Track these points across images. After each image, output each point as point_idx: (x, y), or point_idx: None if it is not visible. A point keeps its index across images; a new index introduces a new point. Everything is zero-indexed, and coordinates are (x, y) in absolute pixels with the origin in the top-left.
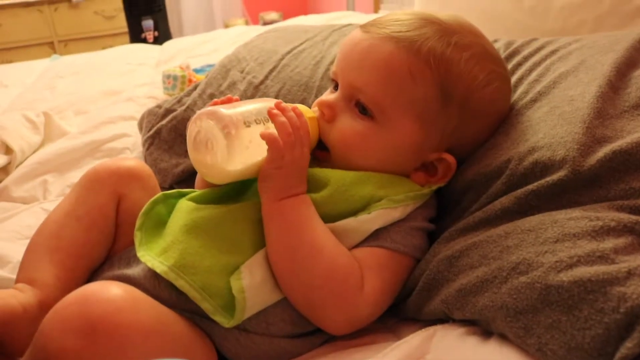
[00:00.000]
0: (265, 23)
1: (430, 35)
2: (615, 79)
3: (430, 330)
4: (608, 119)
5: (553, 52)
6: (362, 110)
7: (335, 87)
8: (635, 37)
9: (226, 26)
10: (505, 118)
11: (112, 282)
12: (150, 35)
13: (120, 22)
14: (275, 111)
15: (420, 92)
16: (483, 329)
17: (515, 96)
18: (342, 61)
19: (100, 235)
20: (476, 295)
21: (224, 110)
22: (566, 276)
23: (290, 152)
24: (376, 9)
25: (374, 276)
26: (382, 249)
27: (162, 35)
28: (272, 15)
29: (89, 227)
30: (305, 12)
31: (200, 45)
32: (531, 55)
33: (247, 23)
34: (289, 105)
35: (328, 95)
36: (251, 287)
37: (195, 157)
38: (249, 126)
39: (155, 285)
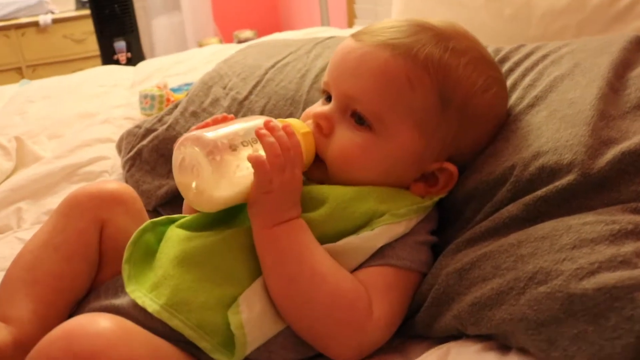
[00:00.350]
0: (240, 41)
1: (426, 41)
2: (614, 80)
3: (443, 348)
4: (612, 120)
5: (544, 57)
6: (359, 120)
7: (327, 99)
8: (626, 38)
9: (200, 45)
10: (503, 124)
11: (100, 313)
12: (122, 57)
13: (91, 46)
14: (263, 131)
15: (419, 99)
16: (500, 343)
17: (510, 102)
18: (335, 70)
19: (82, 265)
20: (492, 308)
21: (209, 134)
22: (589, 284)
23: (279, 176)
24: (350, 24)
25: (382, 298)
26: (388, 267)
27: (135, 57)
28: (247, 33)
29: (69, 257)
30: (279, 29)
31: (176, 65)
32: (522, 60)
33: (221, 42)
34: (281, 123)
35: (321, 107)
36: (250, 320)
37: (182, 185)
38: (235, 149)
39: (147, 316)
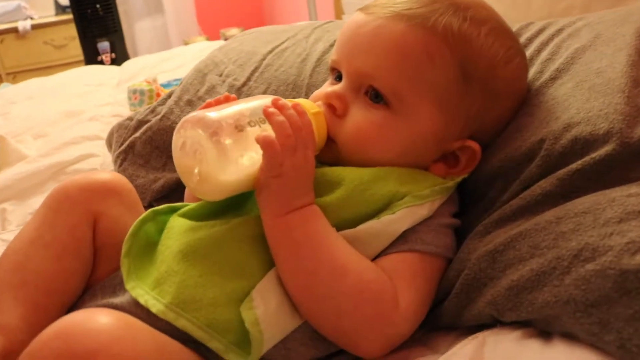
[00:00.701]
0: (227, 39)
1: (443, 10)
2: None
3: (478, 337)
4: None
5: (559, 31)
6: (374, 98)
7: (337, 78)
8: None
9: (186, 44)
10: (524, 99)
11: (98, 309)
12: (107, 58)
13: (72, 51)
14: (272, 110)
15: (439, 72)
16: (539, 329)
17: (529, 77)
18: (345, 47)
19: (75, 263)
20: (532, 291)
21: (212, 114)
22: None
23: (290, 157)
24: (338, 19)
25: (408, 287)
26: (412, 253)
27: (120, 57)
28: (233, 31)
29: (60, 255)
30: (266, 25)
31: (162, 63)
32: (534, 36)
33: (207, 40)
34: (290, 102)
35: (331, 87)
36: (266, 315)
37: (183, 172)
38: (241, 130)
39: (150, 314)
